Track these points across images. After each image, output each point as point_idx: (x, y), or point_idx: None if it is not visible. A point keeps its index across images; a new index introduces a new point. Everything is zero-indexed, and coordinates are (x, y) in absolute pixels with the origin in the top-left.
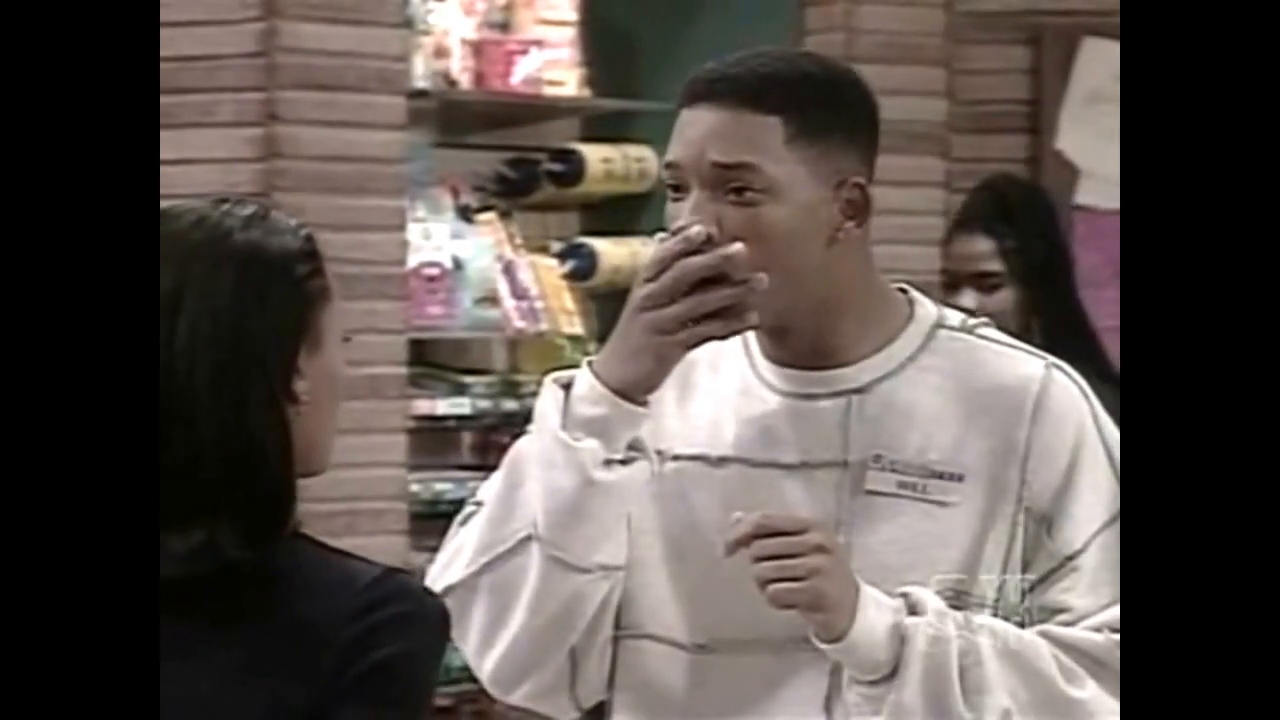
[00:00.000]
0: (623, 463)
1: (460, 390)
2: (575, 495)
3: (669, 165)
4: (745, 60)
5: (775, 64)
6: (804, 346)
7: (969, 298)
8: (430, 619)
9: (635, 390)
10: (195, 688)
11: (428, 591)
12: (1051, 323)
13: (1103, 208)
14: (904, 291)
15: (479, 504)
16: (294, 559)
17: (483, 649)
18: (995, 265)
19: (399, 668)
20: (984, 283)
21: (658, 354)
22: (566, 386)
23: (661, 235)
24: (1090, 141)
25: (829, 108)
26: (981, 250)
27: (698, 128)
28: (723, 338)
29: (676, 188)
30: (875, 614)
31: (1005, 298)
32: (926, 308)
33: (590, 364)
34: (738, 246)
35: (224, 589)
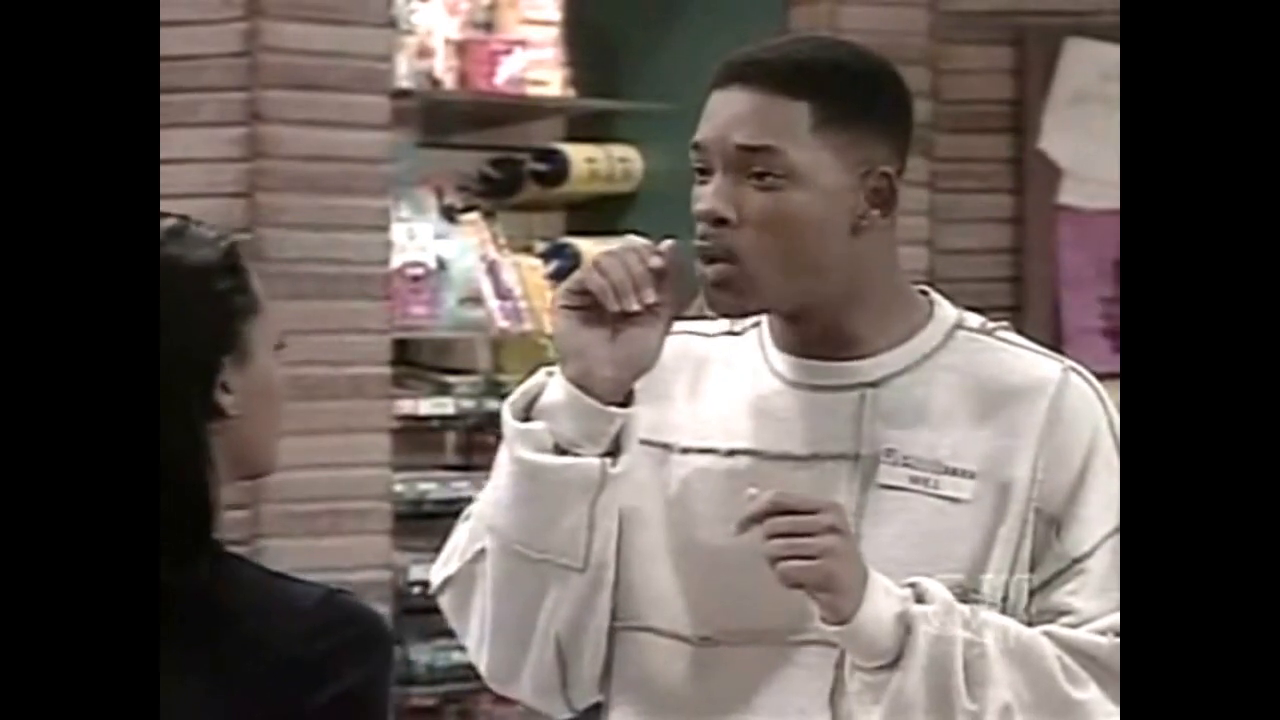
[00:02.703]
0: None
1: (444, 390)
2: (509, 475)
3: (695, 146)
4: (780, 45)
5: (809, 50)
6: (820, 335)
7: None
8: (383, 640)
9: (582, 378)
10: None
11: (372, 610)
12: None
13: (1086, 208)
14: (925, 293)
15: None
16: (230, 579)
17: (479, 644)
18: None
19: (364, 697)
20: None
21: (562, 336)
22: None
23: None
24: (1074, 141)
25: (861, 96)
26: None
27: (725, 110)
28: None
29: (702, 170)
30: (883, 600)
31: None
32: (946, 309)
33: None
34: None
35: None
